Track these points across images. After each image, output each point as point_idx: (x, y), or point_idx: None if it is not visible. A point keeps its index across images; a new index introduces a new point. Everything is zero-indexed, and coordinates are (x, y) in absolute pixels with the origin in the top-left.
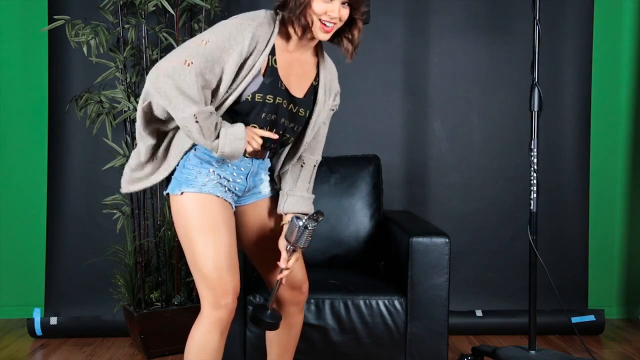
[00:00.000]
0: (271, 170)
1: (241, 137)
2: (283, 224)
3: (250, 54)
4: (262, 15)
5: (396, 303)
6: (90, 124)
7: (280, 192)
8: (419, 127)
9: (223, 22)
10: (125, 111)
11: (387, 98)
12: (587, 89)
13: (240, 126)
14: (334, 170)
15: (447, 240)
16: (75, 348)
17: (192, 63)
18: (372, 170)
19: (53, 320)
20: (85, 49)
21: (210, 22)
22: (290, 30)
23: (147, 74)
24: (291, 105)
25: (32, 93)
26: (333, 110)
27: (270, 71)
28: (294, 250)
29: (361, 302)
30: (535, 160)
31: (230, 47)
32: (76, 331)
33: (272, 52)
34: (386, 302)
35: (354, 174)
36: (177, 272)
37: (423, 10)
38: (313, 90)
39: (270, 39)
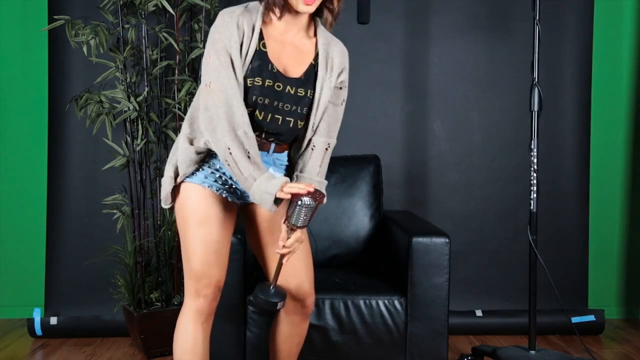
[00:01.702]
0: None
1: (271, 192)
2: None
3: (242, 42)
4: (243, 6)
5: (396, 303)
6: (90, 124)
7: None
8: (419, 127)
9: (212, 28)
10: (125, 111)
11: (387, 98)
12: (587, 89)
13: (275, 184)
14: (334, 170)
15: (447, 240)
16: (75, 348)
17: (210, 84)
18: (372, 170)
19: (53, 320)
20: (85, 49)
21: (210, 22)
22: (273, 12)
23: (147, 73)
24: (288, 87)
25: (32, 93)
26: (340, 88)
27: (259, 55)
28: (291, 229)
29: (361, 302)
30: (535, 160)
31: (228, 43)
32: (76, 331)
33: (261, 37)
34: (386, 302)
35: (354, 174)
36: (177, 272)
37: (423, 10)
38: (313, 69)
39: (254, 24)
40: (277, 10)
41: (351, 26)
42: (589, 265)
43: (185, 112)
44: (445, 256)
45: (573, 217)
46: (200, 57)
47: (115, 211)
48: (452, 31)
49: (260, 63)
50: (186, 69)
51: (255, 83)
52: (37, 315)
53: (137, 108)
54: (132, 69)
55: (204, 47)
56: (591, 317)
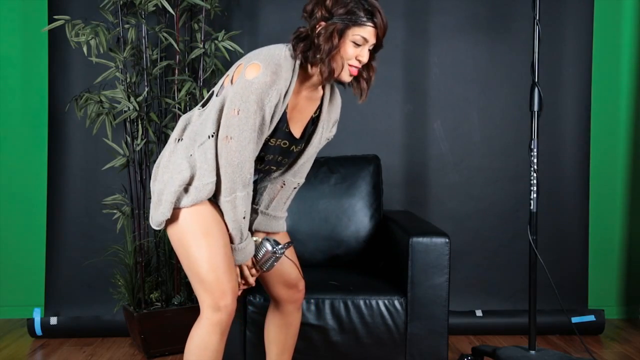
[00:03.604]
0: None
1: (242, 260)
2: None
3: (277, 104)
4: (282, 64)
5: (396, 303)
6: (90, 124)
7: (253, 207)
8: (419, 127)
9: (248, 82)
10: (125, 111)
11: (387, 98)
12: (587, 89)
13: (248, 253)
14: (334, 170)
15: (447, 240)
16: (75, 348)
17: (230, 139)
18: (372, 170)
19: (53, 320)
20: (85, 49)
21: (210, 22)
22: (312, 71)
23: (147, 73)
24: (293, 147)
25: (32, 93)
26: (328, 139)
27: (282, 116)
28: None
29: (361, 302)
30: (535, 160)
31: (264, 107)
32: (76, 331)
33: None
34: (386, 302)
35: (354, 174)
36: (177, 272)
37: (423, 10)
38: (311, 122)
39: (289, 87)
40: (324, 73)
41: None
42: (589, 265)
43: (185, 112)
44: (445, 256)
45: (573, 217)
46: (200, 57)
47: (115, 211)
48: (452, 31)
49: (281, 124)
50: (186, 69)
51: (270, 143)
52: (37, 315)
53: (137, 108)
54: (132, 69)
55: (203, 47)
56: (591, 317)
